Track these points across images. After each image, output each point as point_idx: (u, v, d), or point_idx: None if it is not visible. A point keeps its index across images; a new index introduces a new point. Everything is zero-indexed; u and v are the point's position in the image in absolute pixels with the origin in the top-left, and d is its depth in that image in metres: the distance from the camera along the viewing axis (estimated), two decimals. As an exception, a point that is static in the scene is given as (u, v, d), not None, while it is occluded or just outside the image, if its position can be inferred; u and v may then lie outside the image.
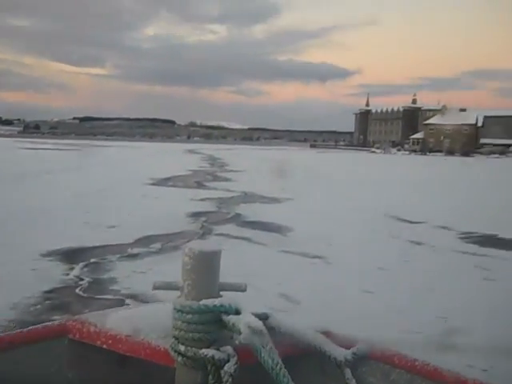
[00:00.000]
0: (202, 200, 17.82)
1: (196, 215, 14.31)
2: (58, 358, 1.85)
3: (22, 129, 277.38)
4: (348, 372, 1.76)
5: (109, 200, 16.76)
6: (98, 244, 10.07)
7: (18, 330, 1.85)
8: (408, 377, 1.76)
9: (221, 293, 1.60)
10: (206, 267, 1.56)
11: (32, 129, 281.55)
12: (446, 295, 7.26)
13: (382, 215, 15.50)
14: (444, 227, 13.54)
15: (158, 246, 10.21)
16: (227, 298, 1.57)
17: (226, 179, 27.85)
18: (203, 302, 1.54)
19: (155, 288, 1.66)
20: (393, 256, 9.98)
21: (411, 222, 14.30)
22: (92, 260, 8.84)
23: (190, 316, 1.54)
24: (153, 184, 23.09)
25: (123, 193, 19.12)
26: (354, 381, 1.76)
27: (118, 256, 9.24)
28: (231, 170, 35.62)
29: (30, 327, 1.85)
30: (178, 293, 1.60)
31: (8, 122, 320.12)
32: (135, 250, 9.73)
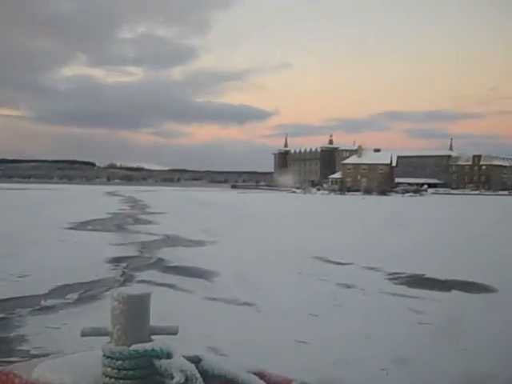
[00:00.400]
0: (122, 244, 17.08)
1: (116, 261, 13.59)
2: None
3: None
4: None
5: (21, 246, 15.73)
6: (6, 296, 9.24)
7: None
8: None
9: (152, 337, 1.56)
10: (135, 311, 1.53)
11: None
12: (384, 343, 6.93)
13: (308, 257, 15.25)
14: (371, 268, 13.40)
15: (74, 296, 9.49)
16: (158, 341, 1.53)
17: (148, 222, 27.07)
18: (134, 346, 1.50)
19: (83, 334, 1.61)
20: (323, 301, 9.65)
21: (338, 264, 14.11)
22: (-1, 316, 8.04)
23: (120, 362, 1.50)
24: (71, 228, 22.05)
25: (38, 238, 18.04)
26: None
27: (29, 310, 8.46)
28: (153, 213, 34.78)
29: None
30: (107, 339, 1.56)
31: None
32: (49, 302, 8.96)
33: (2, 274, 11.35)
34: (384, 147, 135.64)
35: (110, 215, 30.78)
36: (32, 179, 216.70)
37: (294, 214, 38.20)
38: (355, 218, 35.84)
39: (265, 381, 1.75)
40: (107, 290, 10.06)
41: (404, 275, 12.39)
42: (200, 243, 17.98)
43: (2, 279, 10.79)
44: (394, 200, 79.45)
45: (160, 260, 13.96)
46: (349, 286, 11.01)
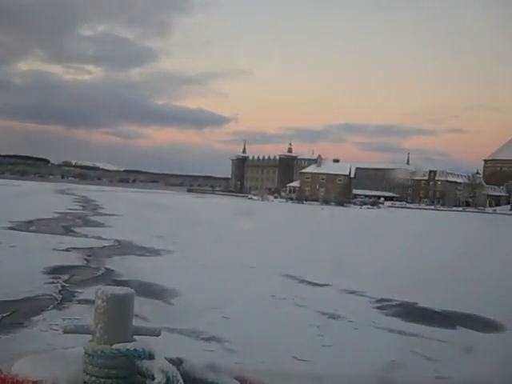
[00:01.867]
0: (66, 250, 15.02)
1: (57, 271, 11.61)
2: None
3: None
4: None
5: None
6: None
7: None
8: None
9: (134, 337, 1.48)
10: (118, 310, 1.44)
11: None
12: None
13: (278, 274, 13.50)
14: (352, 291, 11.73)
15: (-5, 321, 7.50)
16: (141, 342, 1.45)
17: (99, 224, 24.89)
18: (116, 346, 1.44)
19: (66, 332, 1.51)
20: (308, 338, 7.92)
21: (313, 284, 12.38)
22: None
23: (101, 361, 1.46)
24: (10, 228, 19.80)
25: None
26: None
27: None
28: (105, 214, 32.51)
29: None
30: (89, 337, 1.48)
31: None
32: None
33: None
34: (339, 158, 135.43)
35: (58, 215, 28.45)
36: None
37: (254, 222, 36.39)
38: (319, 229, 34.29)
39: None
40: (38, 314, 8.11)
41: (393, 303, 10.72)
42: (155, 252, 16.05)
43: None
44: (352, 211, 78.52)
45: (108, 272, 12.00)
46: (333, 317, 9.27)
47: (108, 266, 12.61)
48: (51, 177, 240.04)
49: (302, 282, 12.74)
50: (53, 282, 10.45)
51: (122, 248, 16.64)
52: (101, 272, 11.96)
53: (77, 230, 21.42)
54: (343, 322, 8.95)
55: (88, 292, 9.71)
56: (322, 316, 9.30)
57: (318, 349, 7.38)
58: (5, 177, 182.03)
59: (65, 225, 23.08)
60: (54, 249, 15.04)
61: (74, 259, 13.59)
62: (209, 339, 7.32)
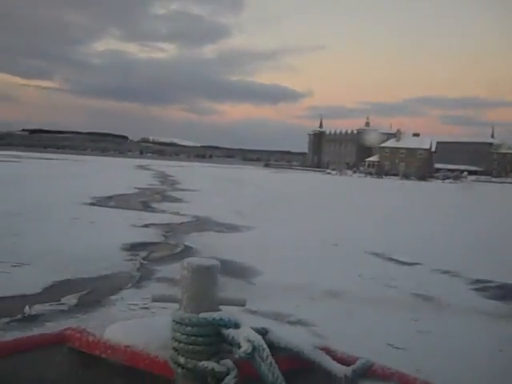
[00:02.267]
0: (145, 226, 14.76)
1: (135, 248, 11.30)
2: (57, 366, 1.85)
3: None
4: None
5: (28, 225, 13.52)
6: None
7: (18, 337, 1.88)
8: None
9: (220, 307, 1.61)
10: (204, 281, 1.58)
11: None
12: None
13: (362, 252, 12.75)
14: (445, 271, 10.84)
15: (72, 300, 7.17)
16: (226, 311, 1.59)
17: (177, 200, 24.74)
18: (202, 314, 1.56)
19: (154, 300, 1.71)
20: (400, 322, 7.19)
21: (402, 263, 11.55)
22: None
23: (189, 328, 1.56)
24: (91, 204, 19.83)
25: (50, 214, 15.85)
26: None
27: (6, 320, 6.15)
28: (183, 189, 32.47)
29: (30, 334, 1.91)
30: (176, 306, 1.62)
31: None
32: (37, 309, 6.65)
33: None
34: (419, 132, 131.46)
35: (137, 190, 28.57)
36: (66, 150, 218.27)
37: (336, 197, 35.52)
38: (403, 204, 33.09)
39: (331, 356, 1.79)
40: (116, 292, 7.76)
41: (493, 284, 9.78)
42: (234, 228, 15.59)
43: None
44: (434, 186, 76.11)
45: (187, 249, 11.57)
46: (427, 299, 8.48)
47: (186, 243, 12.21)
48: (130, 153, 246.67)
49: (390, 260, 11.94)
50: (131, 259, 10.12)
51: (201, 224, 16.28)
52: (179, 249, 11.57)
53: (155, 205, 21.28)
54: (439, 305, 8.15)
55: (167, 270, 9.33)
56: (414, 298, 8.53)
57: (414, 335, 6.64)
58: (87, 153, 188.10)
59: (143, 200, 23.02)
60: (132, 225, 14.83)
61: (152, 235, 13.30)
62: (295, 323, 6.72)
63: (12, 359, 1.76)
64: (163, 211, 19.22)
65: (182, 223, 16.09)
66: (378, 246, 13.42)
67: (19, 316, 6.32)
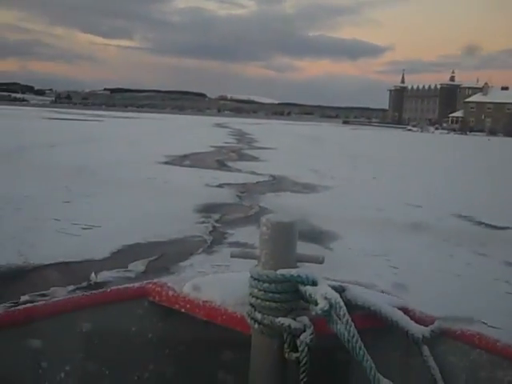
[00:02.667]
0: (219, 186, 14.39)
1: (208, 210, 10.91)
2: (138, 319, 1.90)
3: (53, 99, 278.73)
4: (426, 349, 1.74)
5: (104, 184, 13.40)
6: (52, 261, 6.73)
7: (100, 290, 1.94)
8: (488, 357, 1.69)
9: (298, 264, 1.60)
10: (283, 238, 1.58)
11: (64, 99, 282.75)
12: None
13: (448, 215, 11.93)
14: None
15: (140, 266, 6.83)
16: (304, 268, 1.57)
17: (253, 158, 24.31)
18: (280, 271, 1.55)
19: (233, 256, 1.69)
20: (493, 295, 6.46)
21: (492, 227, 10.69)
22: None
23: (266, 285, 1.56)
24: (166, 163, 19.69)
25: (125, 174, 15.72)
26: (431, 359, 1.73)
27: (72, 287, 5.85)
28: (260, 148, 32.01)
29: (112, 288, 1.94)
30: (254, 262, 1.63)
31: (41, 92, 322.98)
32: (104, 275, 6.35)
33: (65, 222, 9.00)
34: (508, 86, 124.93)
35: (213, 149, 28.33)
36: (146, 108, 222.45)
37: (417, 156, 34.14)
38: (488, 163, 31.40)
39: (409, 316, 1.78)
40: (186, 258, 7.37)
41: None
42: (311, 188, 14.99)
43: (60, 230, 8.40)
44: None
45: (262, 211, 11.03)
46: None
47: (262, 204, 11.73)
48: (208, 111, 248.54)
49: (478, 224, 11.07)
50: (203, 222, 9.73)
51: (277, 184, 15.77)
52: (254, 211, 11.09)
53: (231, 164, 20.92)
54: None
55: (239, 234, 8.88)
56: (509, 268, 7.74)
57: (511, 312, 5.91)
58: (166, 112, 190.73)
59: (219, 159, 22.69)
60: (206, 184, 14.49)
61: (226, 196, 12.89)
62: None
63: (95, 312, 1.82)
64: (239, 170, 18.82)
65: (257, 182, 15.64)
66: (465, 209, 12.56)
67: (84, 283, 6.02)
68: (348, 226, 9.97)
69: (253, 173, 17.90)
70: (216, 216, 10.33)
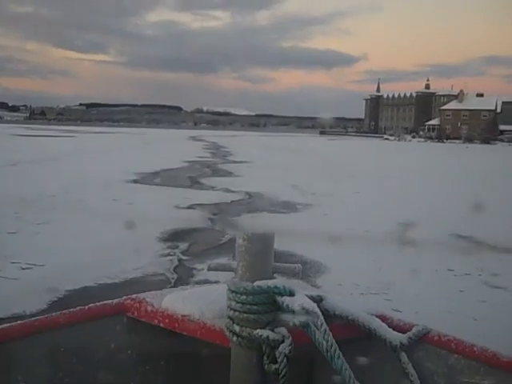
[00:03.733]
0: (190, 208, 13.02)
1: (175, 238, 9.58)
2: (117, 336, 1.92)
3: (27, 115, 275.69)
4: (404, 356, 1.75)
5: (59, 210, 11.97)
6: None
7: (78, 308, 1.93)
8: (466, 362, 1.71)
9: (275, 275, 1.65)
10: (259, 249, 1.61)
11: (38, 115, 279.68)
12: None
13: (447, 234, 10.68)
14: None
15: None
16: (281, 279, 1.61)
17: (228, 173, 22.95)
18: (257, 283, 1.58)
19: (210, 269, 1.77)
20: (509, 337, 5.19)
21: (501, 251, 9.42)
22: None
23: (244, 297, 1.57)
24: (135, 181, 18.27)
25: (87, 195, 14.25)
26: (410, 365, 1.74)
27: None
28: (235, 161, 30.67)
29: (90, 305, 1.94)
30: (231, 274, 1.66)
31: (15, 109, 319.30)
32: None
33: (3, 260, 7.62)
34: (483, 93, 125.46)
35: (186, 164, 26.94)
36: (122, 123, 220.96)
37: (399, 167, 33.02)
38: (475, 172, 30.42)
39: (387, 324, 1.80)
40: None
41: None
42: (291, 207, 13.67)
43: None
44: (502, 149, 72.17)
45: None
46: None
47: (236, 229, 10.36)
48: (184, 124, 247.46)
49: (483, 245, 9.83)
50: (168, 254, 8.37)
51: (253, 202, 14.44)
52: (227, 237, 9.74)
53: (204, 181, 19.51)
54: None
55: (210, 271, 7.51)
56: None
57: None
58: (142, 126, 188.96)
59: (192, 175, 21.24)
60: (176, 206, 13.10)
61: (197, 219, 11.53)
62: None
63: (72, 330, 1.81)
64: (212, 187, 17.46)
65: (232, 202, 14.30)
66: (464, 227, 11.28)
67: None
68: (334, 252, 8.67)
69: (227, 190, 16.55)
70: (183, 246, 8.98)
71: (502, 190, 19.71)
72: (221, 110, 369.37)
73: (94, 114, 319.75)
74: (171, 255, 8.32)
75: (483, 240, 10.23)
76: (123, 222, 10.88)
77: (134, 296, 1.96)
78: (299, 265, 1.68)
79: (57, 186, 15.60)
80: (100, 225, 10.41)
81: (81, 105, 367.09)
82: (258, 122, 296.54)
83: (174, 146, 48.71)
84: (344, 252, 8.86)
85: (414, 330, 1.79)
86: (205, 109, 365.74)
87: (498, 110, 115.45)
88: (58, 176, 18.40)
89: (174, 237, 9.61)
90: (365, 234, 10.45)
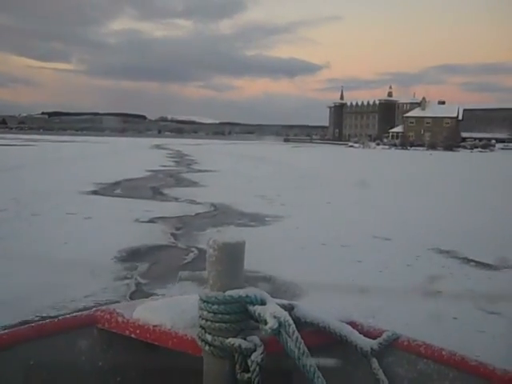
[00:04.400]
0: (151, 221, 12.15)
1: (134, 257, 8.71)
2: (87, 348, 1.87)
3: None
4: (374, 362, 1.74)
5: (7, 225, 10.99)
6: None
7: (48, 320, 1.88)
8: (435, 366, 1.72)
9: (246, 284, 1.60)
10: (230, 258, 1.56)
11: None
12: None
13: (425, 249, 10.01)
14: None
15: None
16: (252, 288, 1.58)
17: (193, 183, 22.07)
18: (228, 292, 1.55)
19: (181, 279, 1.78)
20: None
21: (483, 266, 8.80)
22: None
23: (215, 306, 1.54)
24: (93, 192, 17.29)
25: (42, 209, 13.26)
26: (380, 371, 1.74)
27: None
28: (199, 170, 29.79)
29: (60, 317, 1.90)
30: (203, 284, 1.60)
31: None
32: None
33: None
34: (443, 100, 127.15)
35: (149, 173, 25.97)
36: (85, 132, 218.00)
37: (367, 175, 32.56)
38: (444, 181, 30.13)
39: (357, 330, 1.79)
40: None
41: None
42: (259, 220, 12.90)
43: None
44: (464, 156, 72.71)
45: (202, 255, 8.81)
46: None
47: (201, 246, 9.48)
48: (149, 132, 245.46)
49: (465, 261, 9.18)
50: (125, 277, 7.50)
51: (219, 215, 13.62)
52: (191, 256, 8.92)
53: (167, 191, 18.60)
54: None
55: (172, 293, 6.67)
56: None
57: None
58: (105, 134, 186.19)
59: (154, 186, 20.29)
60: (136, 220, 12.21)
61: (158, 235, 10.67)
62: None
63: (41, 344, 1.75)
64: (176, 199, 16.59)
65: (196, 214, 13.46)
66: (441, 240, 10.73)
67: None
68: (308, 270, 7.91)
69: (192, 202, 15.70)
70: (143, 266, 8.11)
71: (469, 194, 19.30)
72: (185, 118, 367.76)
73: (57, 122, 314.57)
74: (128, 278, 7.45)
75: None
76: (77, 239, 9.97)
77: (104, 307, 1.95)
78: (270, 274, 1.70)
79: (9, 198, 14.56)
80: (51, 243, 9.47)
81: (43, 113, 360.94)
82: (223, 130, 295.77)
83: (137, 155, 47.53)
84: (319, 271, 8.11)
85: (384, 335, 1.79)
86: (169, 117, 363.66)
87: (460, 118, 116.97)
88: (12, 188, 17.30)
89: (132, 256, 8.74)
90: (340, 253, 9.70)
